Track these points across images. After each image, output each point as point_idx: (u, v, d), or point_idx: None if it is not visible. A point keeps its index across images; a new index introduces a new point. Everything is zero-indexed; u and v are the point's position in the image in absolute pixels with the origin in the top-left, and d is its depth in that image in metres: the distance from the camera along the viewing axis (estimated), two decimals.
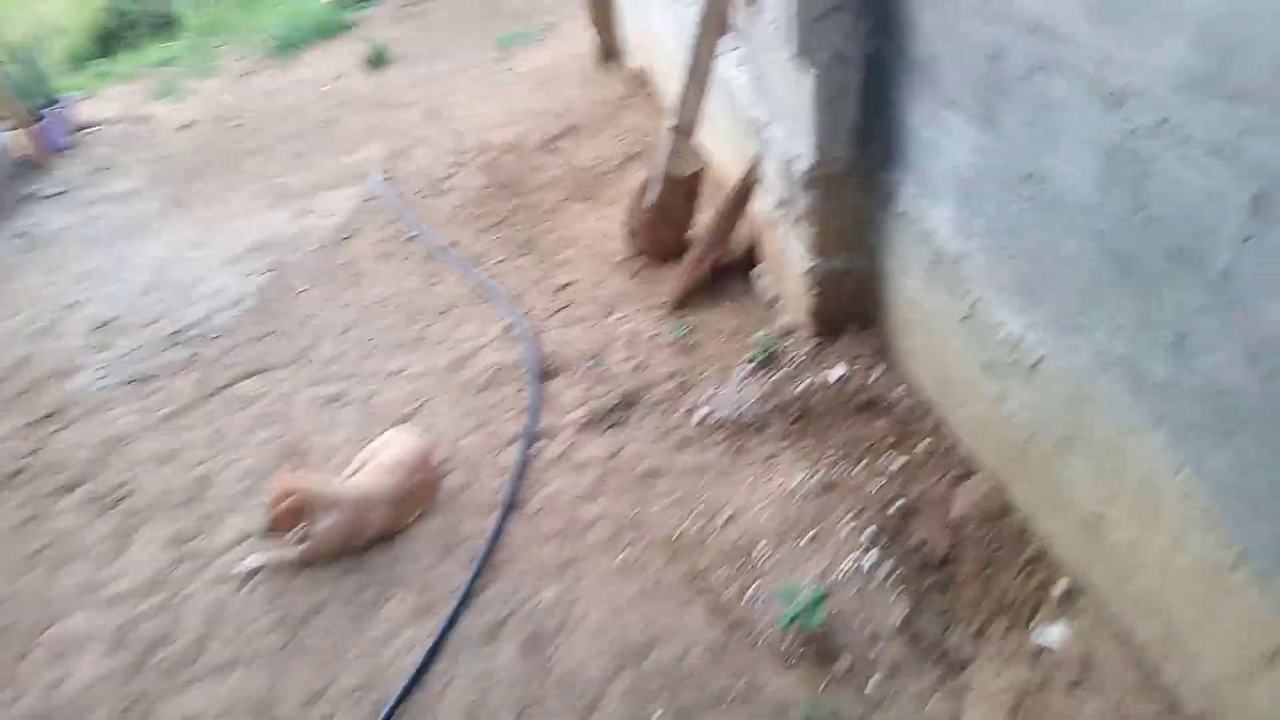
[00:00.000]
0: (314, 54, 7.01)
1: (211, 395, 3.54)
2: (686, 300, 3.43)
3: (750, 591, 2.09)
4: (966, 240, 2.10)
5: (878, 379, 2.52)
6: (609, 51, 5.59)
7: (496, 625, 2.30)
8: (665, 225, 3.63)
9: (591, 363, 3.23)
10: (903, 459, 2.25)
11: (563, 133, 5.05)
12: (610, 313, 3.57)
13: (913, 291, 2.44)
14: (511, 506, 2.66)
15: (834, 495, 2.24)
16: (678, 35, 4.34)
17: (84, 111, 6.58)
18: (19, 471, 3.26)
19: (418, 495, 2.72)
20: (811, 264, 2.70)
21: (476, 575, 2.44)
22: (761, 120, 2.82)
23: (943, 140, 2.11)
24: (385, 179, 5.13)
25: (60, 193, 5.62)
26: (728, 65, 3.37)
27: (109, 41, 13.90)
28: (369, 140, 5.66)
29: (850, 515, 2.16)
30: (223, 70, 7.14)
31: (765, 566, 2.13)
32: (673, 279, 3.53)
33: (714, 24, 3.01)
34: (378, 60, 6.53)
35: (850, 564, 2.05)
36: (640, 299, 3.60)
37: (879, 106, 2.37)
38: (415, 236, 4.50)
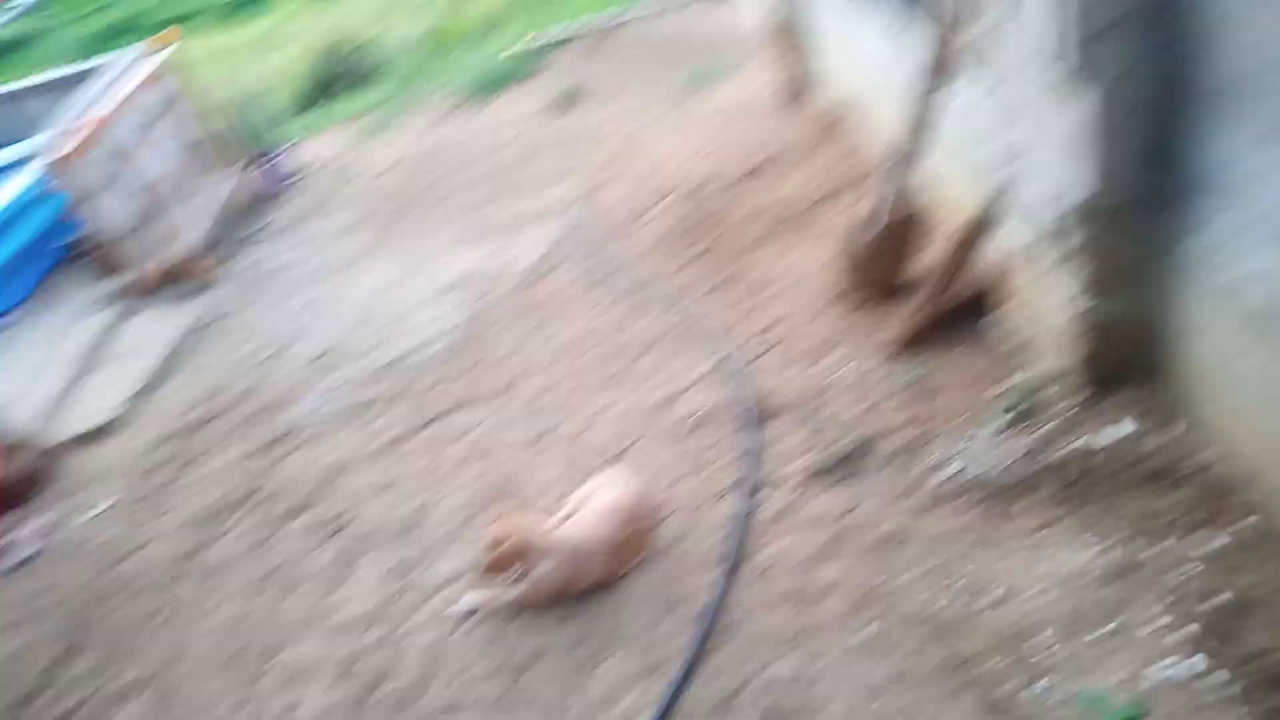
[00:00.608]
0: (508, 96, 7.25)
1: (424, 426, 3.59)
2: (915, 341, 3.16)
3: (1036, 690, 1.80)
4: None
5: (1173, 441, 2.18)
6: (798, 87, 5.42)
7: (728, 697, 2.11)
8: (885, 262, 3.39)
9: (816, 406, 3.02)
10: (1222, 540, 1.90)
11: (759, 166, 4.90)
12: (827, 352, 3.36)
13: (1228, 344, 2.09)
14: (735, 563, 2.48)
15: (1134, 580, 1.92)
16: (881, 67, 4.11)
17: (303, 153, 7.06)
18: (250, 494, 3.39)
19: (633, 545, 2.60)
20: (1086, 306, 2.39)
21: (704, 638, 2.27)
22: (1011, 150, 2.54)
23: (1273, 174, 1.78)
24: (583, 214, 5.15)
25: (283, 230, 6.01)
26: (957, 94, 3.11)
27: (327, 87, 15.17)
28: (564, 177, 5.72)
29: (1160, 607, 1.84)
30: (424, 115, 7.50)
31: (1052, 662, 1.83)
32: (896, 318, 3.27)
33: (946, 53, 2.77)
34: (568, 100, 6.65)
35: (1166, 670, 1.73)
36: (860, 339, 3.36)
37: (1172, 131, 2.06)
38: (615, 271, 4.46)
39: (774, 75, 5.70)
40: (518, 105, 7.02)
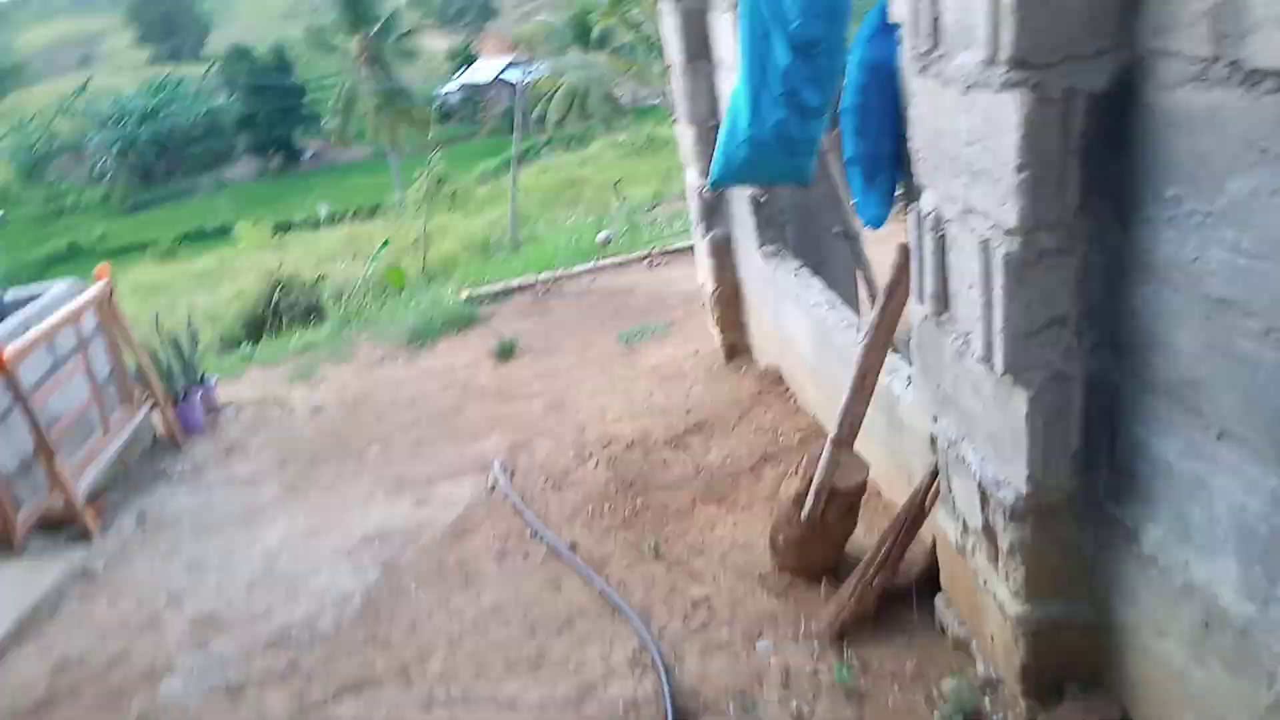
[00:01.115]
0: (445, 345, 7.30)
1: (306, 714, 3.15)
2: (848, 629, 2.96)
3: None
4: (1265, 608, 1.66)
5: None
6: (735, 349, 5.57)
7: None
8: (821, 540, 3.26)
9: (740, 707, 2.74)
10: None
11: (690, 429, 4.88)
12: (755, 638, 3.12)
13: (1173, 659, 1.95)
14: None
15: None
16: (816, 337, 4.24)
17: (224, 393, 6.87)
18: None
19: None
20: (1020, 609, 2.25)
21: None
22: (948, 437, 2.52)
23: (1213, 479, 1.74)
24: (506, 471, 4.99)
25: (187, 472, 5.68)
26: (897, 373, 3.15)
27: (258, 328, 15.27)
28: (491, 431, 5.62)
29: None
30: (357, 358, 7.47)
31: None
32: (831, 602, 3.09)
33: (885, 331, 2.83)
34: (505, 353, 6.71)
35: None
36: (791, 623, 3.15)
37: (1110, 431, 2.05)
38: (534, 536, 4.24)
39: (713, 337, 5.86)
40: (453, 355, 7.05)
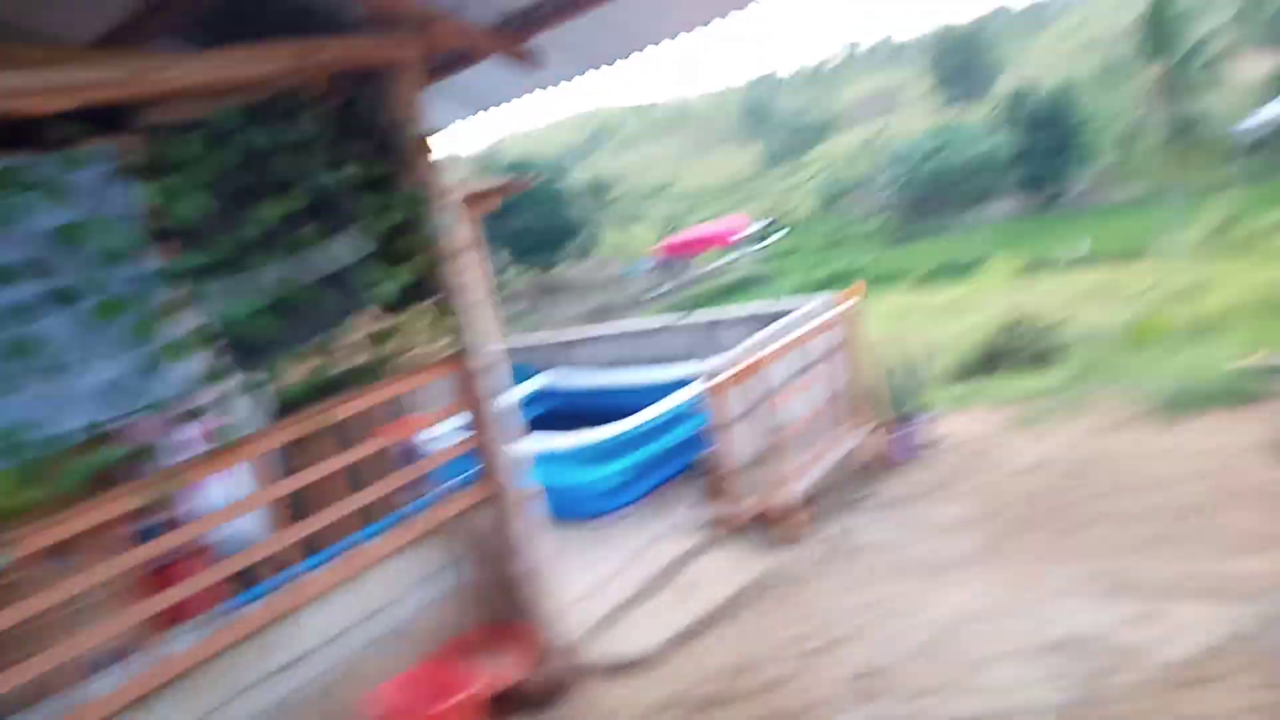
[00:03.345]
0: (1207, 421, 5.81)
1: None
2: None
3: None
4: None
5: None
6: None
7: None
8: None
9: None
10: None
11: None
12: None
13: None
14: None
15: None
16: None
17: (942, 427, 6.65)
18: None
19: None
20: None
21: None
22: None
23: None
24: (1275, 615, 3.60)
25: (889, 504, 5.59)
26: None
27: (992, 362, 14.95)
28: (1267, 547, 4.18)
29: None
30: (1093, 415, 6.49)
31: None
32: None
33: None
34: None
35: None
36: None
37: None
38: None
39: None
40: (1217, 435, 5.56)
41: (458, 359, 3.91)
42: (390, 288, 3.61)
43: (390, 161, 3.73)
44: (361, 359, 3.83)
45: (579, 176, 61.06)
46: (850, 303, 5.74)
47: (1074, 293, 25.31)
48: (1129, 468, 5.46)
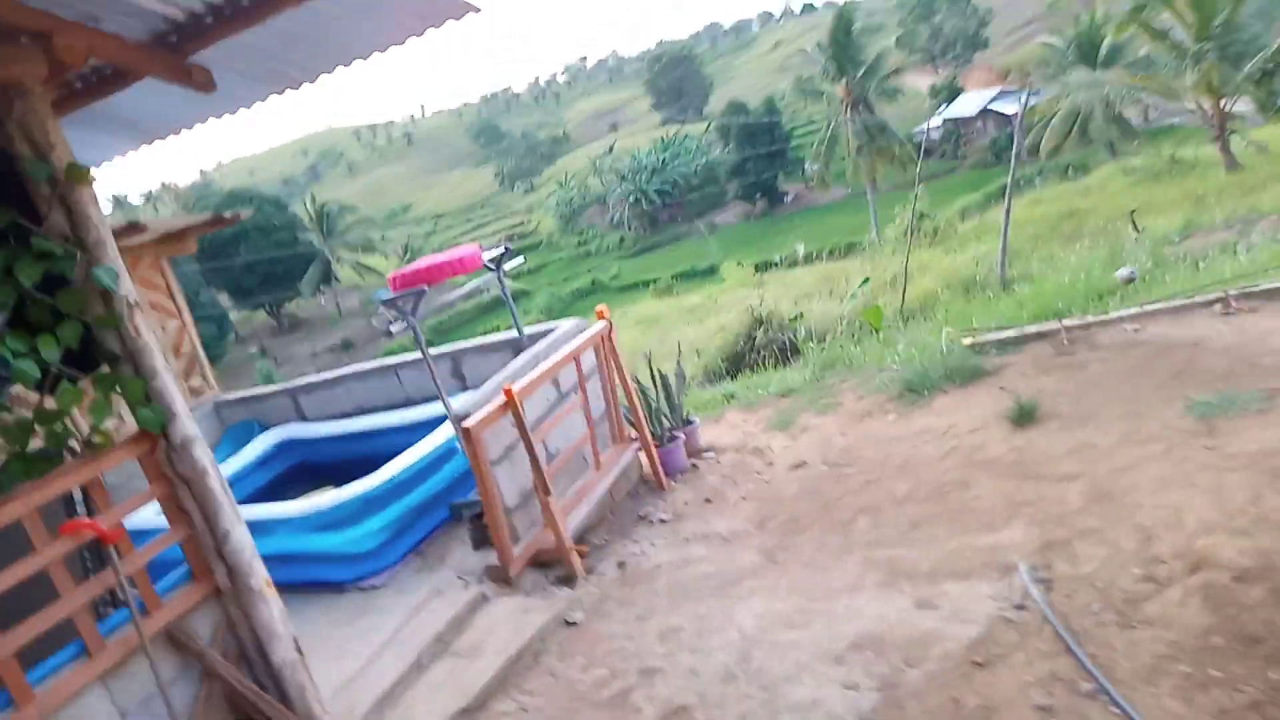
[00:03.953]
0: (943, 401, 6.22)
1: None
2: None
3: None
4: None
5: None
6: None
7: None
8: None
9: None
10: None
11: None
12: None
13: None
14: None
15: None
16: None
17: (705, 436, 6.64)
18: None
19: None
20: None
21: None
22: None
23: None
24: (1039, 581, 3.79)
25: (666, 521, 5.42)
26: None
27: (738, 361, 15.62)
28: (1010, 519, 4.43)
29: None
30: (841, 409, 6.75)
31: None
32: None
33: None
34: (1023, 417, 5.43)
35: None
36: None
37: None
38: (1101, 695, 3.00)
39: None
40: (955, 413, 5.94)
41: (145, 436, 3.17)
42: (29, 363, 2.81)
43: (17, 206, 2.93)
44: (16, 449, 3.00)
45: (307, 205, 57.41)
46: (598, 327, 5.51)
47: (799, 289, 27.45)
48: (883, 454, 5.68)
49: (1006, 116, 49.51)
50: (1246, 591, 3.28)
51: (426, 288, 4.78)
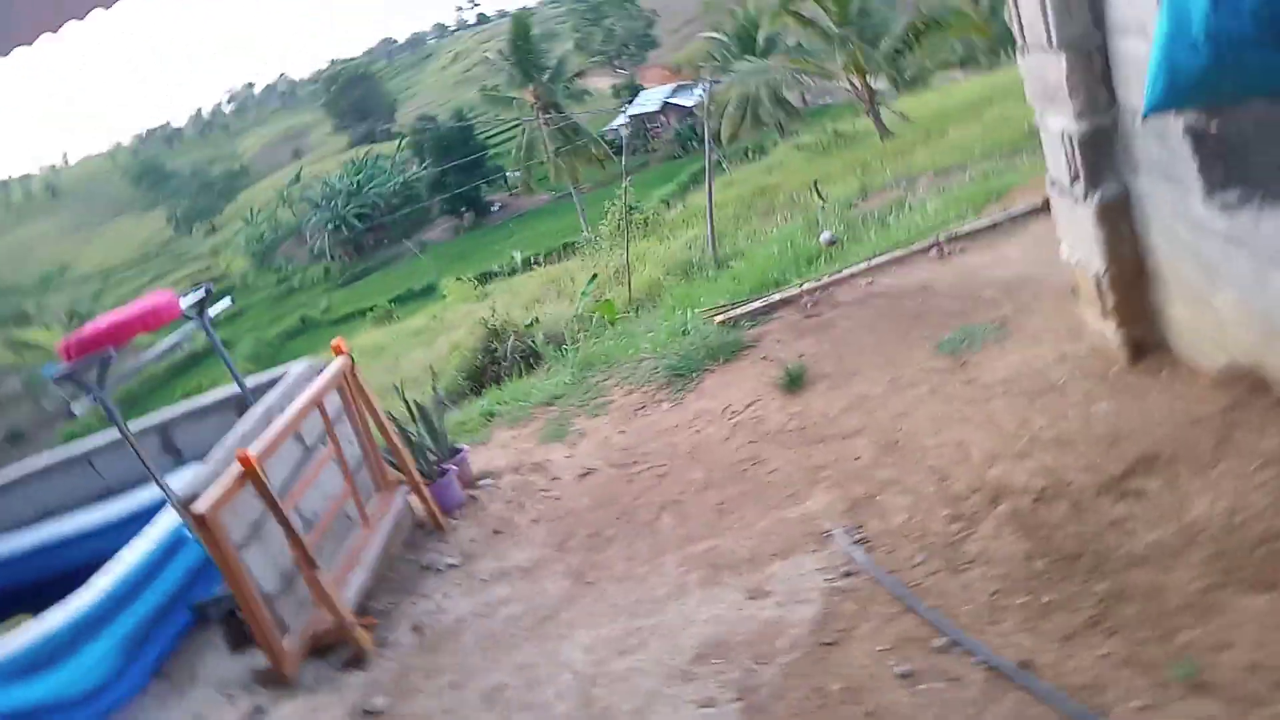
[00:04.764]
0: (712, 380, 6.17)
1: None
2: None
3: None
4: None
5: None
6: (1143, 346, 4.04)
7: None
8: None
9: None
10: None
11: (1133, 468, 3.41)
12: None
13: None
14: None
15: None
16: None
17: (477, 461, 6.09)
18: None
19: None
20: None
21: None
22: None
23: None
24: (858, 542, 3.74)
25: (456, 565, 4.83)
26: None
27: (479, 377, 15.00)
28: (811, 486, 4.40)
29: None
30: (613, 407, 6.51)
31: None
32: None
33: None
34: (793, 382, 5.49)
35: None
36: None
37: None
38: (952, 645, 2.94)
39: (1090, 332, 4.37)
40: (727, 391, 5.90)
41: None
42: None
43: None
44: None
45: None
46: (339, 364, 4.79)
47: (527, 295, 27.22)
48: (668, 445, 5.50)
49: (686, 109, 52.66)
50: (1050, 510, 3.40)
51: (113, 351, 3.84)
